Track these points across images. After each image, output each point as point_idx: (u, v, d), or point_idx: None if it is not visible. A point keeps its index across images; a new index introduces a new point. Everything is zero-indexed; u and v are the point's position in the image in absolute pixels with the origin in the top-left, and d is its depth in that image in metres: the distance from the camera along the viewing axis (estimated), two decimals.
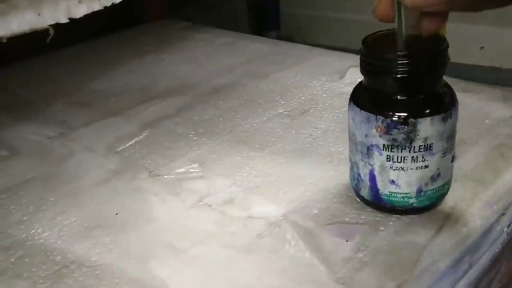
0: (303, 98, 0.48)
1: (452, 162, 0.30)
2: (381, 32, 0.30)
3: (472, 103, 0.44)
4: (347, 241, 0.29)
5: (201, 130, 0.44)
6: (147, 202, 0.35)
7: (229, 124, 0.45)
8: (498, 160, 0.36)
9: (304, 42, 0.67)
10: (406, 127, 0.28)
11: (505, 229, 0.33)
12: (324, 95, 0.48)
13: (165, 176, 0.37)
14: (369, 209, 0.32)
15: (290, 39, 1.19)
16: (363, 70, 0.29)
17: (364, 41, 0.29)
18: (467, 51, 1.12)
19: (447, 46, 0.28)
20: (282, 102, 0.48)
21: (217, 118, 0.46)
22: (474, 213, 0.31)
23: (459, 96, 0.46)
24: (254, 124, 0.44)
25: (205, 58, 0.62)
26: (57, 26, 0.30)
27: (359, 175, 0.31)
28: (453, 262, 0.28)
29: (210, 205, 0.34)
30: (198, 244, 0.30)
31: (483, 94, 0.46)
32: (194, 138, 0.43)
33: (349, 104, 0.30)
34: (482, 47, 1.11)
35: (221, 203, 0.34)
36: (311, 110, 0.46)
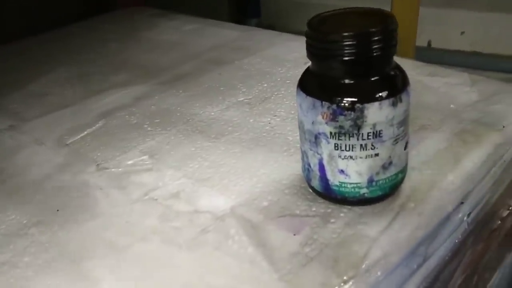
0: (265, 85, 0.46)
1: (405, 149, 0.29)
2: (328, 13, 0.29)
3: (439, 88, 0.43)
4: (294, 235, 0.27)
5: (157, 120, 0.42)
6: (92, 197, 0.33)
7: (187, 113, 0.43)
8: (460, 146, 0.34)
9: (285, 30, 0.65)
10: (352, 113, 0.26)
11: (465, 218, 0.32)
12: (288, 81, 0.47)
13: (113, 169, 0.36)
14: (321, 200, 0.30)
15: (271, 27, 1.16)
16: (309, 53, 0.28)
17: (310, 22, 0.28)
18: (447, 36, 1.10)
19: (397, 25, 0.27)
20: (243, 90, 0.46)
21: (175, 107, 0.44)
22: (430, 203, 0.29)
23: (426, 80, 0.45)
24: (212, 113, 0.42)
25: (171, 45, 0.60)
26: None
27: (309, 165, 0.29)
28: (405, 255, 0.27)
29: (156, 199, 0.32)
30: (139, 241, 0.29)
31: (450, 78, 0.44)
32: (149, 128, 0.41)
33: (297, 89, 0.29)
34: (462, 32, 1.10)
35: (168, 197, 0.32)
36: (272, 98, 0.44)
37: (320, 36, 0.27)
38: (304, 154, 0.30)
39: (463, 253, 0.34)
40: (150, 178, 0.34)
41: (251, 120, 0.40)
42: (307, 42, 0.27)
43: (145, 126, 0.41)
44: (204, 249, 0.27)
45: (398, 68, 0.28)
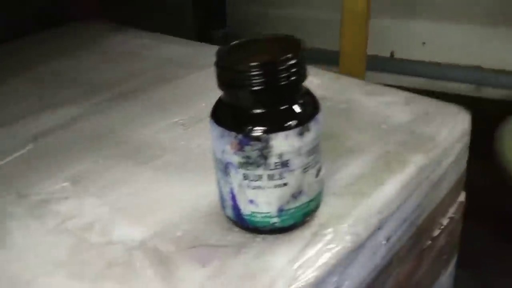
0: (203, 104, 0.46)
1: (317, 177, 0.28)
2: (238, 41, 0.28)
3: (374, 107, 0.43)
4: (203, 267, 0.27)
5: (87, 144, 0.41)
6: (6, 227, 0.32)
7: (120, 135, 0.42)
8: (383, 170, 0.34)
9: None
10: (258, 143, 0.26)
11: (383, 242, 0.32)
12: None
13: (33, 197, 0.35)
14: (236, 229, 0.30)
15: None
16: (218, 83, 0.27)
17: (218, 51, 0.27)
18: (409, 47, 1.12)
19: (305, 52, 0.26)
20: (181, 109, 0.45)
21: (109, 129, 0.43)
22: (344, 230, 0.29)
23: (362, 99, 0.45)
24: (145, 136, 0.41)
25: (119, 61, 0.59)
26: None
27: (222, 193, 0.29)
28: (313, 285, 0.26)
29: (69, 230, 0.31)
30: (44, 275, 0.28)
31: (386, 97, 0.44)
32: (78, 153, 0.40)
33: (210, 119, 0.28)
34: (424, 43, 1.12)
35: (82, 227, 0.31)
36: (208, 118, 0.43)
37: (227, 66, 0.26)
38: (218, 182, 0.29)
39: (386, 276, 0.34)
40: (68, 206, 0.33)
41: (182, 143, 0.40)
42: (215, 72, 0.27)
43: (75, 150, 0.40)
44: (108, 283, 0.27)
45: (309, 94, 0.28)
